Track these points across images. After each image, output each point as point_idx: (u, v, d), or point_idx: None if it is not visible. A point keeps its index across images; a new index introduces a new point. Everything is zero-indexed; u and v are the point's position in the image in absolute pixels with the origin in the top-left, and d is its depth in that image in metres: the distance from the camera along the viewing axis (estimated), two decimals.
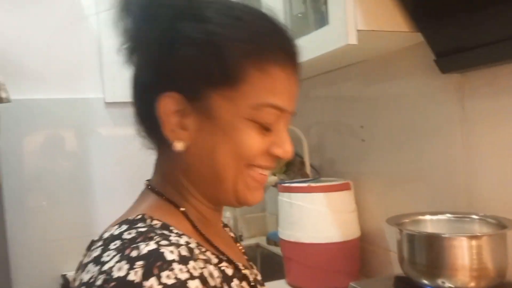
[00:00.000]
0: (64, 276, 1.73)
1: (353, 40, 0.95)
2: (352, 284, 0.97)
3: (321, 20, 1.11)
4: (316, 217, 1.24)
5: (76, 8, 1.83)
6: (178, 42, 0.50)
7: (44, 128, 1.78)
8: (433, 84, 1.07)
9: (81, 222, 1.78)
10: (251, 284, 0.54)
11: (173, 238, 0.45)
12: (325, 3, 1.04)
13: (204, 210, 0.56)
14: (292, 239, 1.28)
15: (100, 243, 0.47)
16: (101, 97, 1.86)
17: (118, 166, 1.84)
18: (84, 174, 1.83)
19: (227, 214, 1.87)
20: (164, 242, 0.43)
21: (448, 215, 0.95)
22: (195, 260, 0.44)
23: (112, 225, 0.50)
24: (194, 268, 0.42)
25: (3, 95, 1.45)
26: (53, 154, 1.80)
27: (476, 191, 0.98)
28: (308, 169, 1.50)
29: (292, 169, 1.69)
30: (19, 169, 1.73)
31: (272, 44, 0.52)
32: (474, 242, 0.78)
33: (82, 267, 0.48)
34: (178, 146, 0.51)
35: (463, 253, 0.78)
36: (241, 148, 0.51)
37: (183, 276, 0.40)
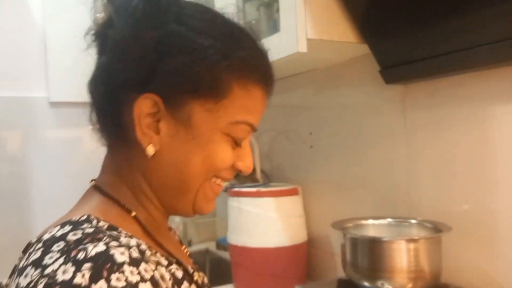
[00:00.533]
0: (1, 285, 1.63)
1: (303, 48, 0.97)
2: (297, 287, 0.98)
3: (274, 27, 1.13)
4: (264, 222, 1.25)
5: (22, 3, 1.75)
6: (170, 45, 0.49)
7: None
8: (378, 95, 1.11)
9: (20, 229, 1.69)
10: (199, 286, 0.54)
11: (123, 240, 0.43)
12: (278, 10, 1.06)
13: (155, 213, 0.55)
14: (240, 244, 1.28)
15: (39, 245, 0.44)
16: (46, 96, 1.78)
17: (61, 170, 1.76)
18: (24, 178, 1.73)
19: (177, 219, 1.84)
20: (114, 243, 0.41)
21: (389, 219, 0.98)
22: (147, 262, 0.42)
23: (53, 226, 0.47)
24: (146, 271, 0.41)
25: None
26: None
27: (415, 197, 1.03)
28: (258, 174, 1.51)
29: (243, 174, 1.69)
30: None
31: (258, 65, 0.54)
32: (411, 245, 0.82)
33: (18, 271, 0.44)
34: (151, 150, 0.50)
35: (402, 256, 0.81)
36: (214, 160, 0.52)
37: (134, 278, 0.39)
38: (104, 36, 0.53)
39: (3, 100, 1.70)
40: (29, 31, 1.76)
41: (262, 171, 1.56)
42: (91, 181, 0.56)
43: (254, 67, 0.53)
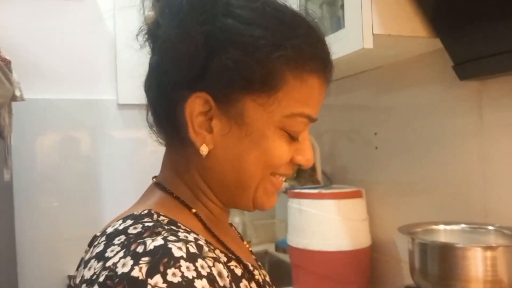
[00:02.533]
0: (70, 277, 1.72)
1: (368, 44, 0.94)
2: None
3: (337, 24, 1.10)
4: (325, 224, 1.22)
5: (93, 11, 1.85)
6: (219, 40, 0.47)
7: (56, 128, 1.79)
8: (450, 92, 1.05)
9: (89, 223, 1.78)
10: (260, 284, 0.52)
11: (182, 234, 0.43)
12: (342, 7, 1.03)
13: (215, 210, 0.55)
14: (300, 246, 1.25)
15: (103, 238, 0.45)
16: (114, 99, 1.87)
17: (128, 168, 1.84)
18: (94, 175, 1.83)
19: (236, 220, 1.86)
20: (172, 238, 0.41)
21: (463, 225, 0.92)
22: (204, 258, 0.41)
23: (116, 220, 0.48)
24: (202, 267, 0.40)
25: (18, 93, 1.47)
26: (64, 154, 1.80)
27: (492, 202, 0.95)
28: (319, 176, 1.48)
29: (303, 176, 1.67)
30: (30, 168, 1.74)
31: (314, 53, 0.50)
32: (489, 253, 0.76)
33: (83, 263, 0.45)
34: (205, 150, 0.49)
35: (477, 264, 0.75)
36: (270, 157, 0.50)
37: (190, 274, 0.38)
38: (155, 35, 0.52)
39: (76, 102, 1.81)
40: (100, 36, 1.86)
41: (323, 173, 1.53)
42: (153, 178, 0.57)
43: (309, 55, 0.49)
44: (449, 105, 1.06)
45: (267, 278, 0.57)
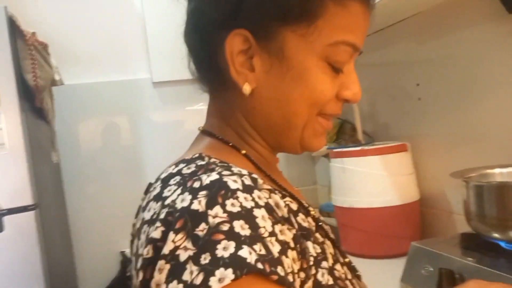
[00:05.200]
0: (123, 253, 1.79)
1: None
2: (414, 243, 0.92)
3: None
4: (371, 181, 1.19)
5: None
6: None
7: (96, 112, 1.83)
8: (497, 29, 0.98)
9: (137, 199, 1.83)
10: (316, 220, 0.51)
11: (235, 169, 0.43)
12: None
13: (264, 152, 0.54)
14: (346, 205, 1.24)
15: (158, 183, 0.46)
16: (149, 77, 1.89)
17: (168, 144, 1.86)
18: (136, 154, 1.87)
19: None
20: (226, 172, 0.41)
21: None
22: (260, 190, 0.41)
23: (169, 167, 0.48)
24: (259, 197, 0.40)
25: (57, 77, 1.50)
26: (106, 135, 1.85)
27: None
28: (360, 135, 1.44)
29: (343, 137, 1.64)
30: (76, 151, 1.80)
31: None
32: None
33: (142, 208, 0.46)
34: (248, 89, 0.48)
35: None
36: (314, 92, 0.48)
37: (248, 204, 0.38)
38: None
39: (113, 84, 1.84)
40: (128, 16, 1.87)
41: (364, 132, 1.49)
42: (199, 128, 0.57)
43: None
44: (498, 43, 0.99)
45: (321, 218, 0.55)
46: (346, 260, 0.53)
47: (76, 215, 1.77)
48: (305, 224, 0.47)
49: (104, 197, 1.82)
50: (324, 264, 0.45)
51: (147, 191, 0.49)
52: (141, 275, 0.38)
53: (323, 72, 0.48)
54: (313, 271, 0.43)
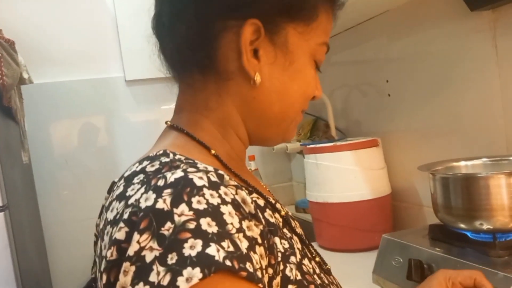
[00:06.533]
0: None
1: None
2: (384, 236, 0.94)
3: None
4: (344, 176, 1.22)
5: None
6: None
7: (69, 110, 1.79)
8: (462, 26, 1.01)
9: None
10: (284, 217, 0.52)
11: (201, 166, 0.42)
12: None
13: (238, 146, 0.55)
14: (320, 200, 1.26)
15: (121, 181, 0.45)
16: (122, 76, 1.86)
17: (143, 143, 1.83)
18: (111, 154, 1.84)
19: None
20: (191, 169, 0.40)
21: (484, 159, 0.90)
22: (226, 186, 0.41)
23: (133, 165, 0.47)
24: (226, 194, 0.39)
25: (25, 75, 1.47)
26: (79, 135, 1.82)
27: None
28: (333, 132, 1.46)
29: (317, 134, 1.66)
30: (48, 151, 1.76)
31: None
32: None
33: (105, 209, 0.45)
34: (259, 79, 0.50)
35: (502, 192, 0.74)
36: (309, 88, 0.54)
37: (215, 201, 0.38)
38: None
39: (85, 82, 1.81)
40: (100, 14, 1.84)
41: (337, 128, 1.51)
42: (166, 122, 0.56)
43: None
44: (462, 39, 1.02)
45: (290, 213, 0.56)
46: (314, 255, 0.54)
47: (49, 218, 1.73)
48: (272, 220, 0.47)
49: (78, 199, 1.78)
50: (293, 259, 0.46)
51: (110, 190, 0.48)
52: (104, 277, 0.37)
53: (312, 67, 0.54)
54: (281, 266, 0.43)
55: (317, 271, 0.50)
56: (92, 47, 1.83)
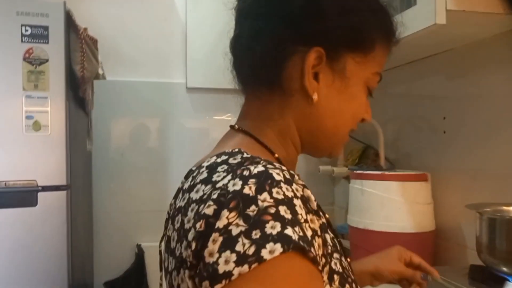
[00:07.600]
0: (139, 246, 1.85)
1: (441, 19, 0.93)
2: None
3: (408, 2, 1.09)
4: (388, 205, 1.22)
5: (169, 3, 1.96)
6: (338, 5, 0.56)
7: (131, 108, 1.92)
8: None
9: (157, 197, 1.90)
10: (327, 219, 0.56)
11: (277, 164, 0.49)
12: None
13: (293, 155, 0.61)
14: (361, 226, 1.26)
15: (203, 169, 0.51)
16: (183, 82, 1.97)
17: (192, 149, 1.93)
18: (162, 155, 1.95)
19: None
20: (270, 166, 0.47)
21: None
22: (296, 184, 0.47)
23: (209, 157, 0.54)
24: (296, 190, 0.46)
25: (101, 72, 1.59)
26: (136, 133, 1.93)
27: None
28: (382, 161, 1.47)
29: (365, 162, 1.66)
30: (107, 143, 1.88)
31: (394, 27, 0.62)
32: None
33: (187, 189, 0.51)
34: (316, 98, 0.57)
35: None
36: (360, 110, 0.61)
37: (289, 194, 0.44)
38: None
39: (149, 84, 1.93)
40: (172, 23, 1.96)
41: (386, 158, 1.52)
42: (230, 126, 0.63)
43: (392, 29, 0.61)
44: None
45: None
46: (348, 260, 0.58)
47: (99, 205, 1.85)
48: (323, 220, 0.52)
49: (126, 192, 1.89)
50: (336, 255, 0.51)
51: (187, 176, 0.55)
52: (193, 245, 0.44)
53: (365, 94, 0.61)
54: (328, 259, 0.49)
55: (351, 271, 0.56)
56: (161, 52, 1.96)
